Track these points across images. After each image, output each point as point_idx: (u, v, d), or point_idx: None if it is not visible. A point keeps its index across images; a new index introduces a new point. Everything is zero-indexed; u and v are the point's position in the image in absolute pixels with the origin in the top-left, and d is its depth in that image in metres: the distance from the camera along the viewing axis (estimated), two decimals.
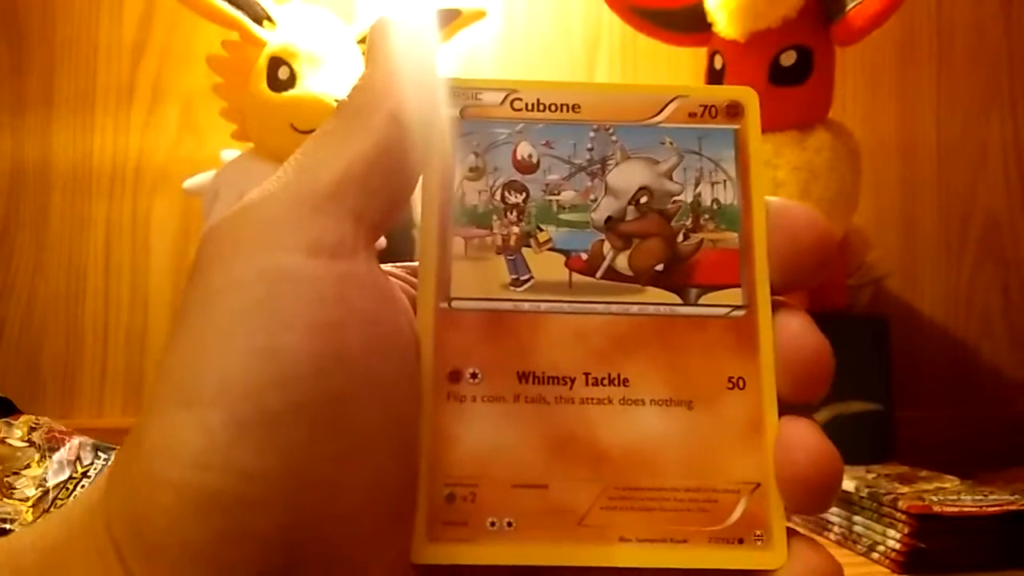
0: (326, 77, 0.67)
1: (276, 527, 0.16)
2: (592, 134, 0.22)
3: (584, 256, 0.21)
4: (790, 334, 0.20)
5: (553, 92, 0.22)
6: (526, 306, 0.20)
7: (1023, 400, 0.93)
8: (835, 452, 0.19)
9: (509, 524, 0.19)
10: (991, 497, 0.54)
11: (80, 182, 0.88)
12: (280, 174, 0.19)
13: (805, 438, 0.19)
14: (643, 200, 0.21)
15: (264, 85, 0.67)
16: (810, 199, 0.70)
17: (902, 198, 0.95)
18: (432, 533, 0.19)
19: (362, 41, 0.72)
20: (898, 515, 0.53)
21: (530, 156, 0.22)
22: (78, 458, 0.64)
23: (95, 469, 0.64)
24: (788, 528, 0.20)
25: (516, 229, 0.21)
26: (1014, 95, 0.96)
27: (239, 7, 0.67)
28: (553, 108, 0.22)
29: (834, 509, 0.59)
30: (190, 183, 0.75)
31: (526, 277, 0.21)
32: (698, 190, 0.21)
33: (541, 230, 0.21)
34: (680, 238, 0.21)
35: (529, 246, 0.21)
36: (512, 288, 0.21)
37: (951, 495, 0.55)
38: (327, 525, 0.17)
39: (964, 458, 0.71)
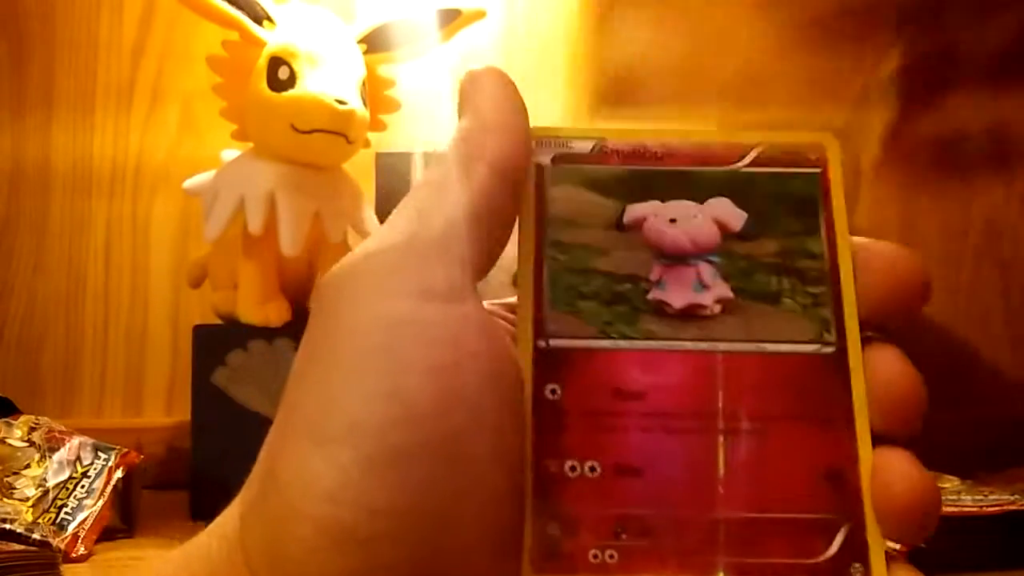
0: (326, 77, 0.67)
1: (404, 560, 0.17)
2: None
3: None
4: (882, 369, 0.21)
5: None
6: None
7: (1023, 400, 0.93)
8: (932, 482, 0.20)
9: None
10: (991, 497, 0.55)
11: (80, 182, 0.88)
12: (392, 223, 0.21)
13: (901, 469, 0.20)
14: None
15: (264, 85, 0.67)
16: None
17: (902, 198, 0.95)
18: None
19: (362, 41, 0.72)
20: None
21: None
22: (78, 458, 0.64)
23: (95, 469, 0.64)
24: (888, 554, 0.20)
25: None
26: None
27: (239, 7, 0.66)
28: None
29: None
30: (190, 183, 0.75)
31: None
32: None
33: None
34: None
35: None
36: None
37: (951, 495, 0.55)
38: (447, 558, 0.18)
39: (964, 458, 0.71)
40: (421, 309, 0.19)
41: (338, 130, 0.67)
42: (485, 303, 0.22)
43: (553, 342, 0.21)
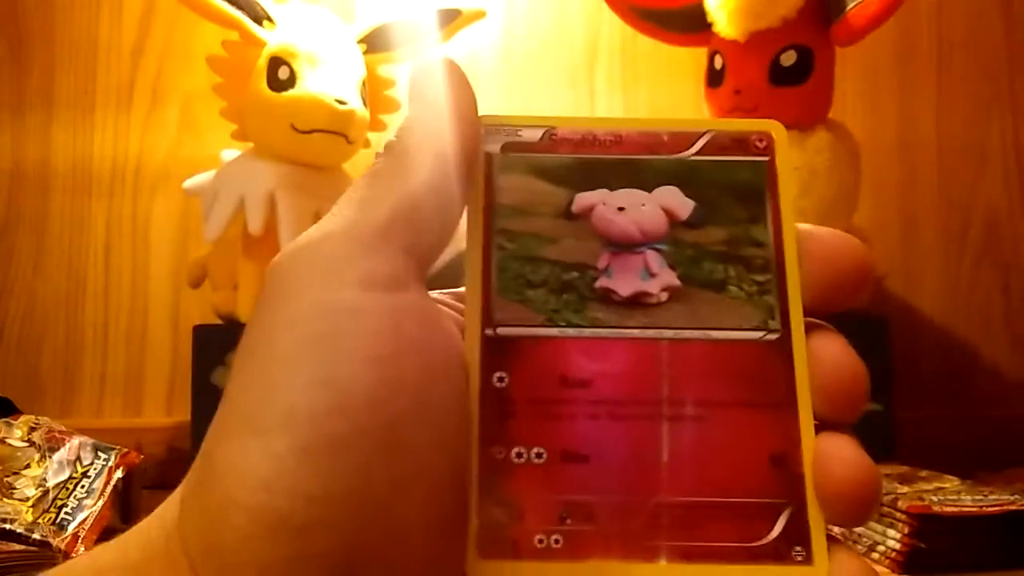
0: (326, 77, 0.67)
1: (340, 547, 0.17)
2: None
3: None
4: (825, 356, 0.21)
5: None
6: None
7: (1023, 400, 0.93)
8: (873, 465, 0.20)
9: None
10: (991, 497, 0.54)
11: (80, 182, 0.88)
12: (335, 212, 0.20)
13: (843, 454, 0.20)
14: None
15: (264, 85, 0.67)
16: (810, 199, 0.70)
17: (902, 198, 0.95)
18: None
19: (362, 41, 0.72)
20: (898, 515, 0.53)
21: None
22: (78, 458, 0.64)
23: (95, 469, 0.64)
24: (829, 538, 0.20)
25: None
26: (1014, 95, 0.96)
27: (239, 7, 0.67)
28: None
29: None
30: (190, 183, 0.75)
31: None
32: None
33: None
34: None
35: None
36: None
37: (951, 495, 0.55)
38: (386, 545, 0.18)
39: (964, 458, 0.71)
40: (361, 298, 0.19)
41: (338, 130, 0.67)
42: (434, 293, 0.22)
43: (500, 330, 0.21)
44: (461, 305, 0.22)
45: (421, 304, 0.20)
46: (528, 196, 0.23)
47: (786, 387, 0.21)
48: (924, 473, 0.63)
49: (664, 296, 0.22)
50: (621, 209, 0.22)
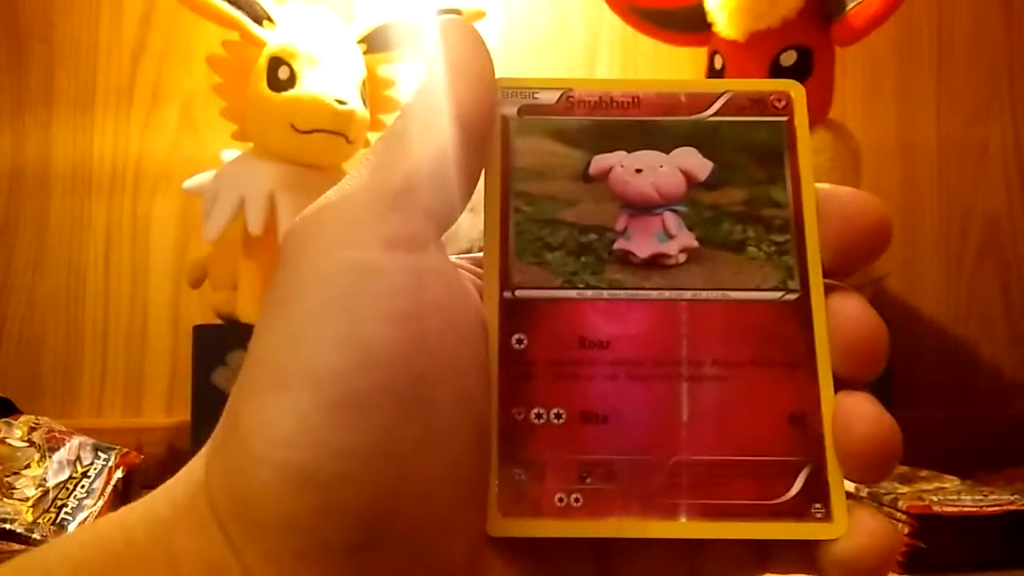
0: (326, 77, 0.67)
1: (365, 502, 0.18)
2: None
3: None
4: (844, 315, 0.21)
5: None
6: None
7: (1023, 400, 0.93)
8: (892, 421, 0.20)
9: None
10: (991, 497, 0.55)
11: (80, 182, 0.88)
12: (355, 174, 0.20)
13: (862, 410, 0.20)
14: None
15: (264, 85, 0.67)
16: None
17: (902, 198, 0.95)
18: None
19: (362, 41, 0.72)
20: (898, 515, 0.53)
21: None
22: (78, 458, 0.64)
23: (95, 469, 0.64)
24: (849, 496, 0.20)
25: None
26: (1014, 95, 0.96)
27: (239, 7, 0.67)
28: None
29: None
30: (190, 183, 0.75)
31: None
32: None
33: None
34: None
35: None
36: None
37: (951, 495, 0.55)
38: (410, 501, 0.18)
39: (964, 458, 0.71)
40: (382, 257, 0.19)
41: (338, 130, 0.67)
42: (452, 257, 0.22)
43: (519, 293, 0.21)
44: (479, 269, 0.22)
45: (442, 265, 0.20)
46: (545, 159, 0.22)
47: (805, 347, 0.21)
48: (924, 473, 0.63)
49: (683, 257, 0.22)
50: (639, 171, 0.22)
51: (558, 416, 0.21)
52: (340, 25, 0.72)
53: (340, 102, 0.66)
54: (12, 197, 0.87)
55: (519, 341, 0.21)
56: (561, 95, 0.23)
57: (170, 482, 0.20)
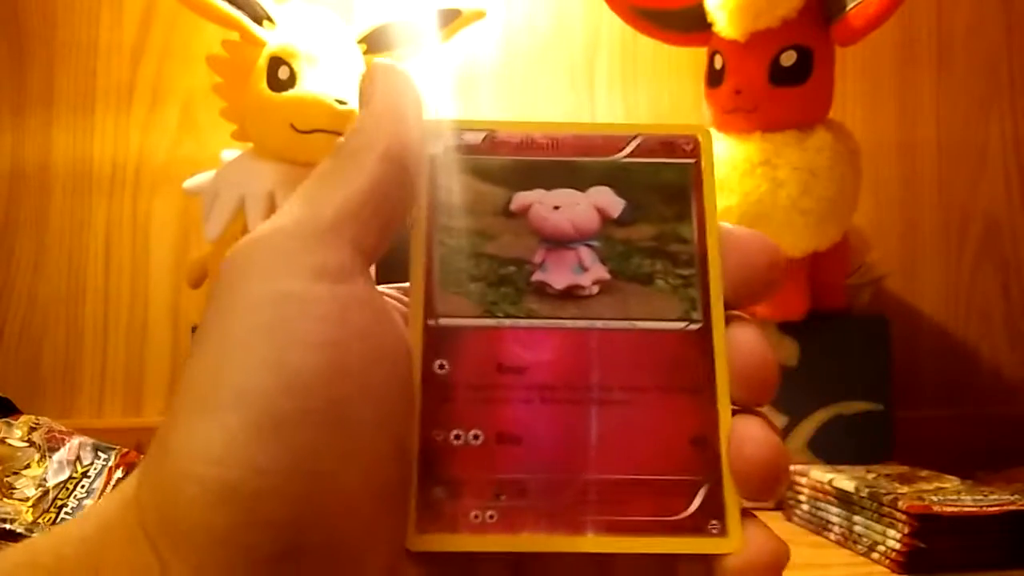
0: (326, 77, 0.67)
1: (286, 515, 0.18)
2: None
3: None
4: (742, 345, 0.23)
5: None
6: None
7: (1023, 400, 0.93)
8: (780, 444, 0.22)
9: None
10: (991, 497, 0.55)
11: (80, 182, 0.88)
12: (287, 208, 0.22)
13: (755, 433, 0.22)
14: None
15: (264, 85, 0.67)
16: (810, 199, 0.70)
17: (902, 198, 0.95)
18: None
19: (362, 41, 0.72)
20: (898, 515, 0.53)
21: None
22: (78, 458, 0.64)
23: (95, 469, 0.64)
24: (746, 512, 0.22)
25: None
26: (1014, 95, 0.96)
27: (239, 7, 0.67)
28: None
29: (834, 509, 0.59)
30: (190, 183, 0.75)
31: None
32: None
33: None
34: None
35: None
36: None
37: (951, 495, 0.55)
38: (330, 514, 0.19)
39: (964, 458, 0.71)
40: (309, 288, 0.20)
41: (338, 130, 0.67)
42: (381, 287, 0.23)
43: (442, 321, 0.23)
44: (405, 298, 0.24)
45: (367, 294, 0.21)
46: (469, 195, 0.24)
47: (707, 373, 0.23)
48: (924, 473, 0.63)
49: (595, 289, 0.23)
50: (557, 208, 0.24)
51: (476, 437, 0.22)
52: (340, 25, 0.72)
53: (340, 102, 0.66)
54: (12, 197, 0.87)
55: (441, 366, 0.22)
56: (486, 136, 0.25)
57: (102, 500, 0.21)
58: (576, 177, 0.24)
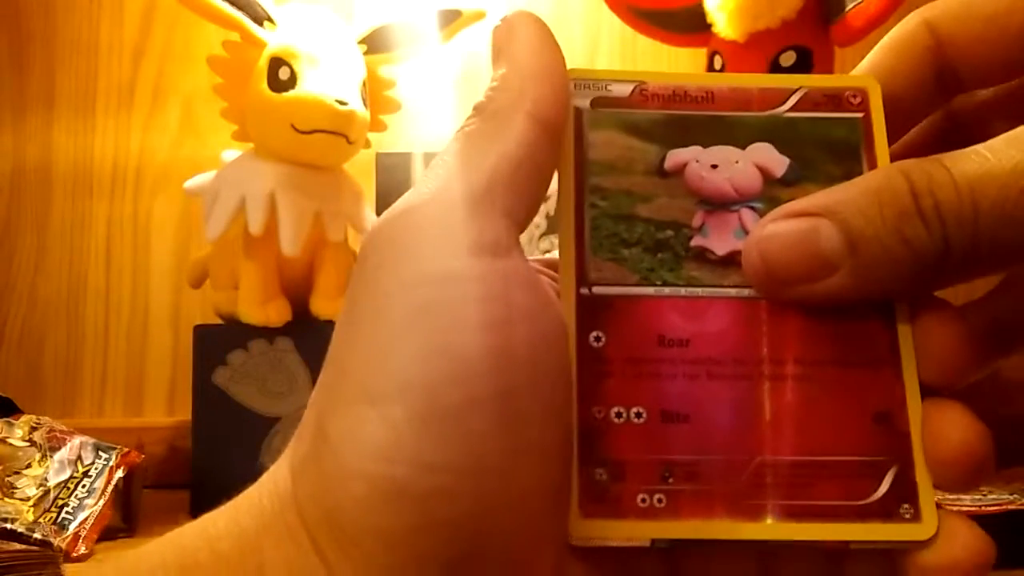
0: (327, 77, 0.67)
1: (460, 517, 0.17)
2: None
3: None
4: (930, 321, 0.20)
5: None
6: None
7: (1023, 400, 0.93)
8: (984, 429, 0.20)
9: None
10: (991, 497, 0.55)
11: (81, 182, 0.88)
12: (431, 177, 0.20)
13: (956, 419, 0.20)
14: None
15: (265, 86, 0.67)
16: None
17: None
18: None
19: (363, 41, 0.72)
20: None
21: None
22: (79, 458, 0.64)
23: (96, 469, 0.64)
24: (937, 504, 0.20)
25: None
26: None
27: (239, 7, 0.67)
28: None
29: None
30: (191, 183, 0.75)
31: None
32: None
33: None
34: None
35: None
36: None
37: (951, 495, 0.55)
38: (503, 515, 0.18)
39: None
40: (470, 264, 0.18)
41: (338, 130, 0.67)
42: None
43: (596, 289, 0.21)
44: (551, 272, 0.22)
45: (526, 270, 0.19)
46: (619, 152, 0.22)
47: (888, 346, 0.21)
48: None
49: None
50: (714, 166, 0.22)
51: (638, 415, 0.20)
52: (340, 25, 0.72)
53: (341, 103, 0.66)
54: (13, 197, 0.88)
55: (597, 339, 0.21)
56: (634, 88, 0.22)
57: (251, 492, 0.19)
58: (734, 133, 0.22)
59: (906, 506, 0.20)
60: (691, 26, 0.75)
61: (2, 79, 0.88)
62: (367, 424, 0.17)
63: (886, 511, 0.20)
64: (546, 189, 0.21)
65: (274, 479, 0.19)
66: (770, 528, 0.20)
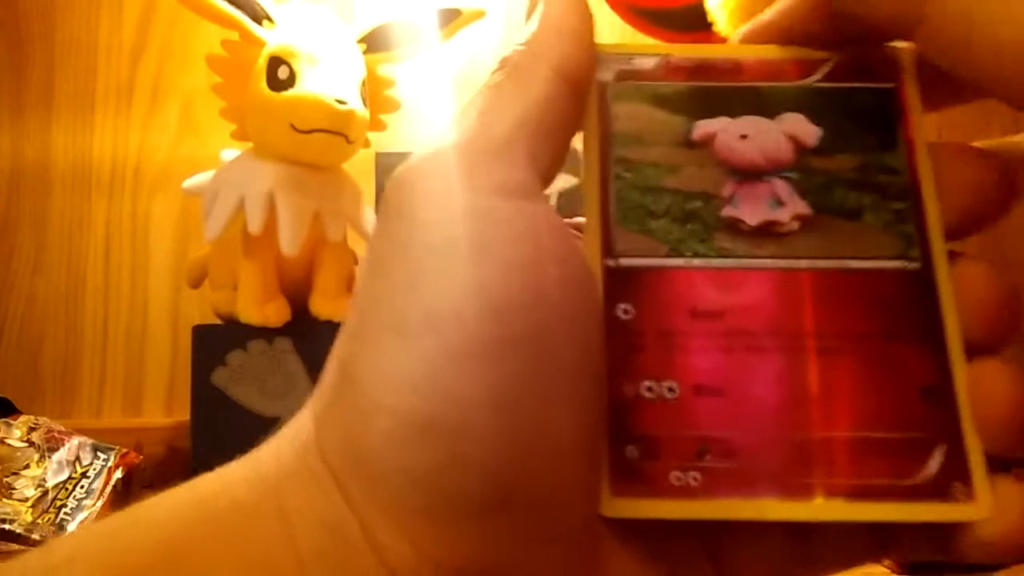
0: (326, 77, 0.67)
1: (490, 457, 0.16)
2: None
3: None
4: (971, 285, 0.20)
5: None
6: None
7: None
8: None
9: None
10: None
11: (80, 182, 0.88)
12: (458, 124, 0.19)
13: (1001, 378, 0.19)
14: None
15: (264, 85, 0.67)
16: None
17: None
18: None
19: (362, 40, 0.72)
20: None
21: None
22: (77, 458, 0.64)
23: (94, 469, 0.64)
24: (991, 469, 0.19)
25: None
26: None
27: (239, 7, 0.66)
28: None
29: None
30: (190, 183, 0.75)
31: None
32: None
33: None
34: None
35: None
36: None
37: None
38: (536, 461, 0.17)
39: None
40: (499, 204, 0.18)
41: (338, 130, 0.67)
42: None
43: (623, 261, 0.20)
44: (578, 235, 0.21)
45: (553, 215, 0.19)
46: (645, 124, 0.22)
47: (932, 317, 0.20)
48: None
49: (796, 225, 0.21)
50: (744, 137, 0.22)
51: (671, 390, 0.19)
52: (340, 25, 0.72)
53: (340, 102, 0.66)
54: (12, 197, 0.87)
55: (625, 311, 0.20)
56: (659, 61, 0.22)
57: (269, 444, 0.19)
58: (763, 104, 0.22)
59: (957, 484, 0.19)
60: (691, 25, 0.75)
61: (1, 78, 0.88)
62: (396, 356, 0.17)
63: (938, 490, 0.19)
64: (567, 146, 0.20)
65: (295, 428, 0.19)
66: (820, 508, 0.19)
